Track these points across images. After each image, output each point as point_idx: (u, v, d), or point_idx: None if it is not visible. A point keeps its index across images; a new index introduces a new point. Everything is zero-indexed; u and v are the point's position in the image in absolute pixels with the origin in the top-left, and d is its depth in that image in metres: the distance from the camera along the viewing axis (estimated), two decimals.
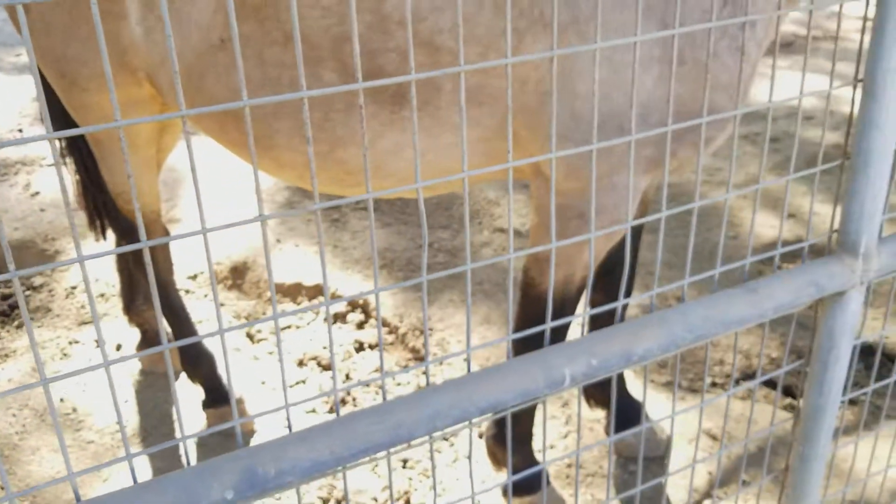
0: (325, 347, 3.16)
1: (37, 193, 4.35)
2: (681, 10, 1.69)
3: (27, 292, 3.55)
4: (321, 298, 3.50)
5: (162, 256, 2.66)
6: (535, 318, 2.04)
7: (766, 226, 3.95)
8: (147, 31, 1.94)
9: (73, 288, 3.57)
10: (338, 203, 0.94)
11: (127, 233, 2.60)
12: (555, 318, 2.02)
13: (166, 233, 2.71)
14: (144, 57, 2.00)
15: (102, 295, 3.53)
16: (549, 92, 1.76)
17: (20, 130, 5.39)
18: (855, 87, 1.35)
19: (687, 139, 1.82)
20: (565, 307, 2.02)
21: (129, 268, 2.91)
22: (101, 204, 2.79)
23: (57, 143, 2.80)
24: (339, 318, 3.37)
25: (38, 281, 3.62)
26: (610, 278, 2.38)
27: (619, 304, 1.30)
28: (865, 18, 1.39)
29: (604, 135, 1.77)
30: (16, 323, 3.36)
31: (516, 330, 2.14)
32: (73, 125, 2.59)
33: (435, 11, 1.74)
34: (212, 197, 4.33)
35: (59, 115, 2.65)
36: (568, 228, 1.89)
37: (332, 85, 1.83)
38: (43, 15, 2.02)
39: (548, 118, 1.81)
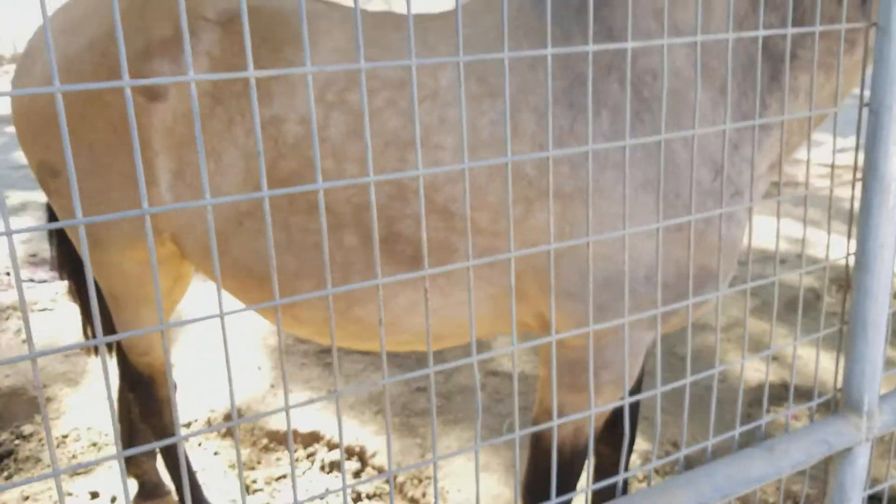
0: (321, 498, 3.13)
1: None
2: (676, 182, 1.83)
3: (16, 441, 3.51)
4: (316, 446, 3.49)
5: (168, 410, 2.68)
6: (545, 470, 2.08)
7: (751, 369, 4.04)
8: (176, 198, 2.05)
9: (65, 437, 3.53)
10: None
11: (136, 383, 2.62)
12: (566, 469, 2.06)
13: (175, 386, 2.73)
14: (172, 220, 2.11)
15: (95, 444, 3.50)
16: (561, 253, 1.87)
17: (7, 274, 5.43)
18: (847, 263, 1.48)
19: (684, 299, 1.93)
20: (575, 460, 2.06)
21: (131, 417, 2.92)
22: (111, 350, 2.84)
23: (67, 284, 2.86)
24: (335, 466, 3.35)
25: (27, 430, 3.58)
26: (615, 429, 2.43)
27: (619, 478, 1.36)
28: (854, 183, 1.53)
29: (610, 294, 1.88)
30: (5, 474, 3.30)
31: (526, 482, 2.17)
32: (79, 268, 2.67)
33: (450, 182, 1.87)
34: (208, 343, 4.36)
35: (66, 262, 2.74)
36: (578, 382, 1.97)
37: (352, 249, 1.94)
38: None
39: (557, 277, 1.91)
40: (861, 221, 1.46)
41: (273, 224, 1.95)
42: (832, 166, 1.52)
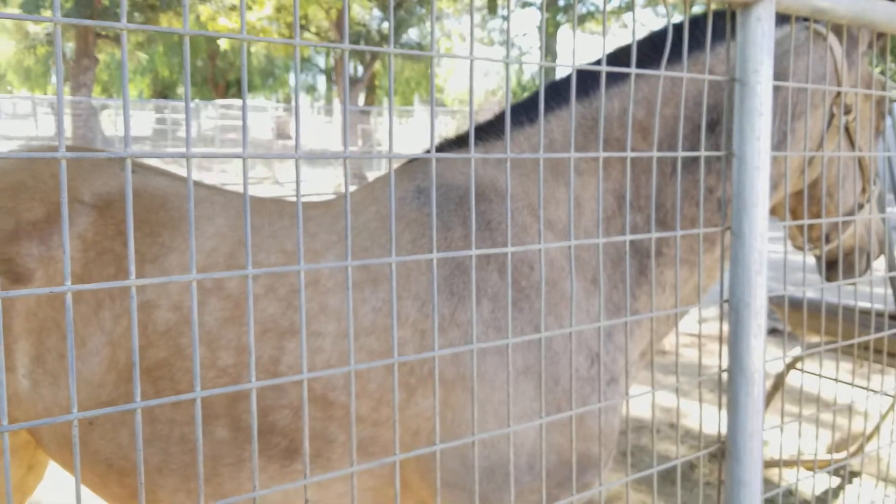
0: None
1: None
2: (555, 369, 1.87)
3: None
4: None
5: None
6: None
7: None
8: (34, 385, 1.92)
9: None
10: None
11: None
12: None
13: None
14: (27, 409, 1.96)
15: None
16: (443, 442, 1.84)
17: None
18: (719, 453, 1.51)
19: (566, 486, 1.92)
20: None
21: None
22: None
23: None
24: None
25: None
26: None
27: None
28: (720, 375, 1.58)
29: (493, 483, 1.84)
30: None
31: None
32: None
33: (328, 368, 1.84)
34: None
35: None
36: None
37: (223, 442, 1.84)
38: None
39: (439, 468, 1.87)
40: (729, 414, 1.51)
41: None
42: (699, 336, 1.58)
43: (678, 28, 1.99)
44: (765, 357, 1.53)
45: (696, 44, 1.98)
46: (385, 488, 1.94)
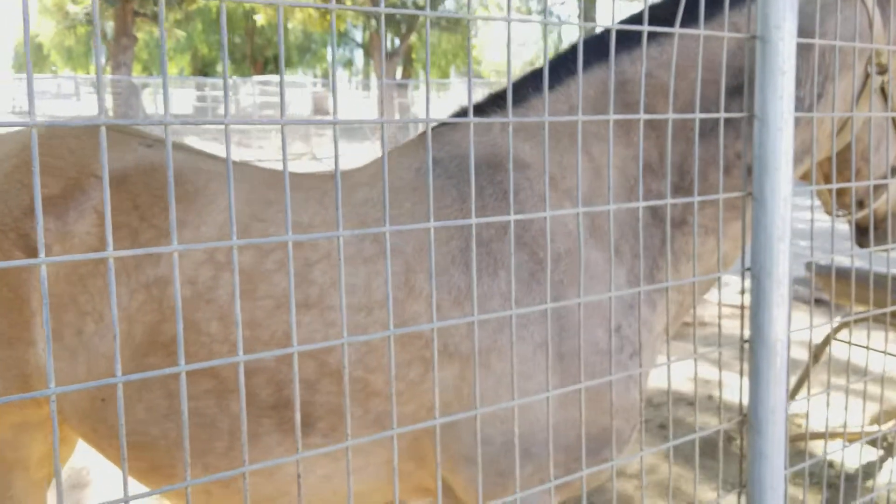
0: None
1: None
2: (573, 342, 1.82)
3: None
4: None
5: None
6: None
7: None
8: (53, 360, 1.93)
9: None
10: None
11: None
12: None
13: None
14: (47, 383, 1.97)
15: None
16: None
17: None
18: (742, 426, 1.46)
19: (588, 462, 1.88)
20: None
21: None
22: None
23: None
24: None
25: None
26: None
27: None
28: (742, 346, 1.53)
29: (511, 458, 1.81)
30: None
31: None
32: None
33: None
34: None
35: None
36: None
37: (238, 416, 1.83)
38: None
39: (455, 440, 1.84)
40: (751, 386, 1.45)
41: (153, 390, 1.84)
42: (741, 307, 1.52)
43: None
44: (789, 327, 1.46)
45: (719, 2, 1.90)
46: (401, 462, 1.91)
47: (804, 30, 1.90)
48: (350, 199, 1.97)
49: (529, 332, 1.80)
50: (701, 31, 1.33)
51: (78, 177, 2.00)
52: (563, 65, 2.03)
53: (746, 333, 1.49)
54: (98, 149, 2.06)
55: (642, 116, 1.28)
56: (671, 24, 1.91)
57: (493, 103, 2.07)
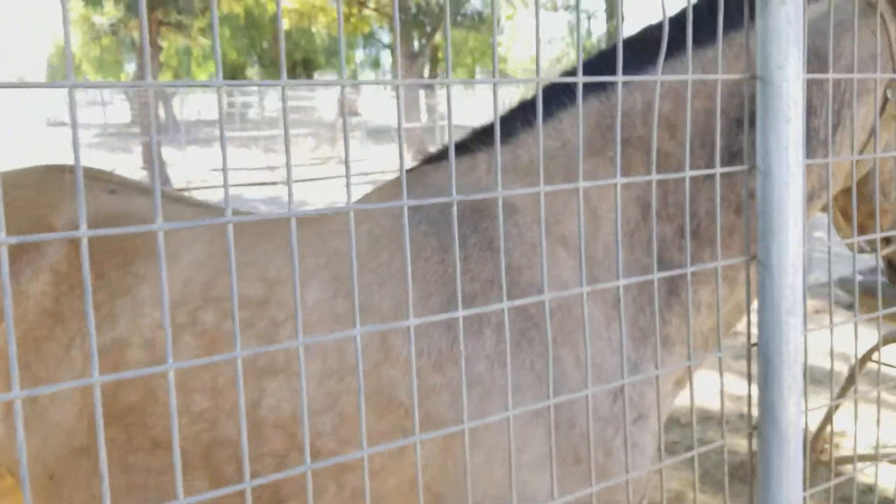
0: None
1: None
2: (570, 409, 1.64)
3: None
4: None
5: None
6: None
7: None
8: (7, 430, 1.80)
9: None
10: None
11: None
12: None
13: None
14: (6, 453, 1.84)
15: None
16: (442, 494, 1.64)
17: None
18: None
19: None
20: None
21: None
22: None
23: None
24: None
25: None
26: None
27: None
28: (750, 435, 1.35)
29: None
30: None
31: None
32: None
33: (314, 414, 1.65)
34: None
35: None
36: None
37: (202, 493, 1.68)
38: None
39: None
40: (762, 477, 1.27)
41: (111, 465, 1.69)
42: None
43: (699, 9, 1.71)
44: (806, 407, 1.28)
45: (729, 24, 1.70)
46: None
47: (817, 51, 1.70)
48: (324, 248, 1.81)
49: (521, 400, 1.63)
50: (689, 76, 1.14)
51: (35, 227, 1.86)
52: (553, 96, 1.84)
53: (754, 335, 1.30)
54: (52, 198, 1.92)
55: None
56: (675, 45, 1.72)
57: (478, 140, 1.89)
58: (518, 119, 1.87)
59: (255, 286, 1.73)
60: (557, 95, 1.84)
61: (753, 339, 1.27)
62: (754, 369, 1.30)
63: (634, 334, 1.72)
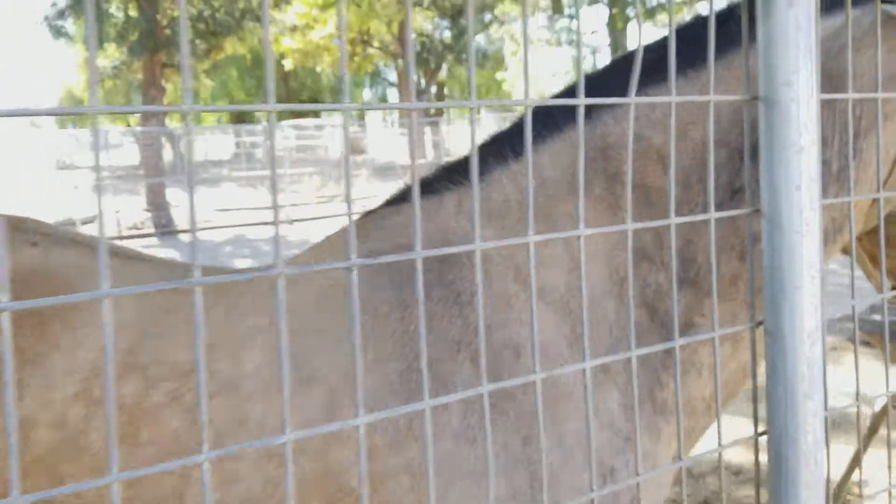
0: None
1: None
2: (553, 493, 1.39)
3: None
4: None
5: None
6: None
7: None
8: None
9: None
10: None
11: None
12: None
13: None
14: None
15: None
16: None
17: None
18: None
19: None
20: None
21: None
22: None
23: None
24: None
25: None
26: None
27: None
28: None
29: None
30: None
31: None
32: None
33: (249, 502, 1.40)
34: None
35: None
36: None
37: None
38: None
39: None
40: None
41: None
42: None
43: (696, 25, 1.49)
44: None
45: (726, 42, 1.48)
46: None
47: (828, 72, 1.46)
48: (266, 306, 1.58)
49: (493, 485, 1.38)
50: (672, 97, 0.91)
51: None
52: (532, 129, 1.62)
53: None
54: None
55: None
56: (663, 70, 1.50)
57: (446, 178, 1.66)
58: (490, 155, 1.64)
59: (185, 352, 1.50)
60: (535, 128, 1.61)
61: (762, 427, 1.02)
62: (762, 457, 1.06)
63: (626, 402, 1.47)
